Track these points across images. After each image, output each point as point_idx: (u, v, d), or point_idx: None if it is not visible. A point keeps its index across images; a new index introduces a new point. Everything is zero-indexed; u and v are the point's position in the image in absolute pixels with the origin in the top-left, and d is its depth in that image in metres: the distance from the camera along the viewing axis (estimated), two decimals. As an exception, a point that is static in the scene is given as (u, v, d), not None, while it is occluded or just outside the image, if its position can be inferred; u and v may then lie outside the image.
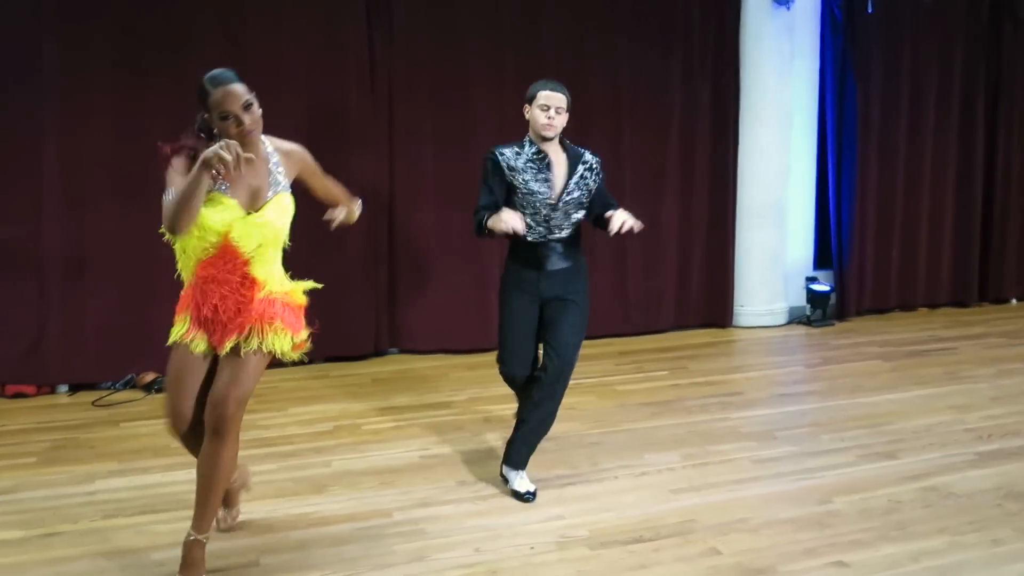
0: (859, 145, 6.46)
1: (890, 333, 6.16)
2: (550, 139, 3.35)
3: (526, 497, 3.34)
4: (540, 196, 3.33)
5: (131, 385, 4.84)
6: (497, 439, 4.00)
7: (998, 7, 6.81)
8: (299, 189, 2.87)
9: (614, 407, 4.49)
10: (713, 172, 6.18)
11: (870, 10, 6.29)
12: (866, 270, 6.66)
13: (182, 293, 2.78)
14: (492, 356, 5.40)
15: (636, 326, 6.06)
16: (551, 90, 3.34)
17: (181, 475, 3.58)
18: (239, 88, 2.54)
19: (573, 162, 3.41)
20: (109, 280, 4.84)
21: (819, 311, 6.43)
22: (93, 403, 4.60)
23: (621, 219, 3.29)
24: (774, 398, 4.71)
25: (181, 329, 2.72)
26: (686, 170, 6.10)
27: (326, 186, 2.98)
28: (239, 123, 2.52)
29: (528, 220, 3.30)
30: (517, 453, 3.42)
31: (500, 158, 3.34)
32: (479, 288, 5.61)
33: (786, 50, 6.16)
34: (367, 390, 4.83)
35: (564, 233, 3.41)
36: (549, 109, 3.31)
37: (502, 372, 3.53)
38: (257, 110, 2.59)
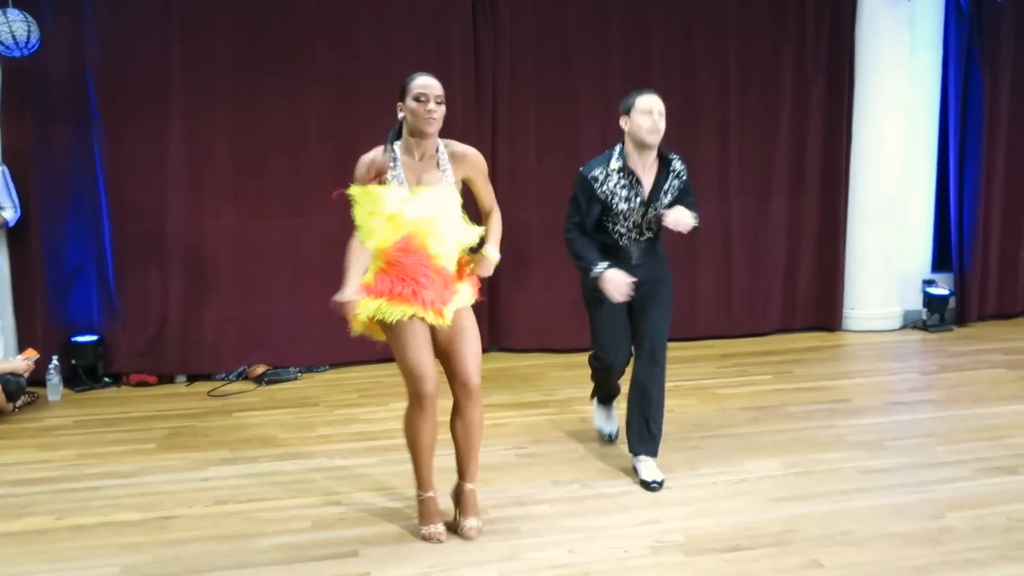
0: (984, 140, 6.11)
1: (1016, 340, 5.80)
2: (653, 145, 3.38)
3: (652, 486, 3.42)
4: (631, 210, 3.44)
5: (243, 377, 5.07)
6: (593, 439, 3.99)
7: None
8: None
9: (714, 411, 4.40)
10: (824, 169, 5.97)
11: (1000, -1, 5.94)
12: (990, 272, 6.29)
13: (369, 279, 2.99)
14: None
15: (740, 328, 5.92)
16: (650, 93, 3.37)
17: (288, 465, 3.73)
18: (437, 83, 2.95)
19: (665, 169, 3.47)
20: (225, 277, 5.09)
21: (937, 316, 6.12)
22: (208, 393, 4.84)
23: (673, 217, 3.39)
24: (885, 406, 4.51)
25: (396, 309, 2.92)
26: (796, 167, 5.92)
27: (485, 196, 3.19)
28: (428, 108, 2.88)
29: (620, 227, 3.47)
30: (637, 438, 3.54)
31: (592, 183, 3.43)
32: (578, 287, 5.58)
33: (905, 42, 5.89)
34: (466, 387, 4.88)
35: (651, 233, 3.54)
36: (651, 112, 3.34)
37: (604, 364, 3.64)
38: (443, 109, 2.94)
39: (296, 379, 5.10)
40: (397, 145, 2.99)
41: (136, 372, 5.02)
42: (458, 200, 3.01)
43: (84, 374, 4.96)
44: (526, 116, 5.44)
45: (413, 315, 2.92)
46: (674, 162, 3.50)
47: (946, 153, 6.25)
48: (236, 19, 4.95)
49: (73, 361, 4.94)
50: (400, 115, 2.97)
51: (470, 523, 3.06)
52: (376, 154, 2.97)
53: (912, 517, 3.15)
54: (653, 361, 3.50)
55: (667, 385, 4.13)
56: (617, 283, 3.35)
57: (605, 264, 3.40)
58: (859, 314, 6.08)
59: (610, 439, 3.96)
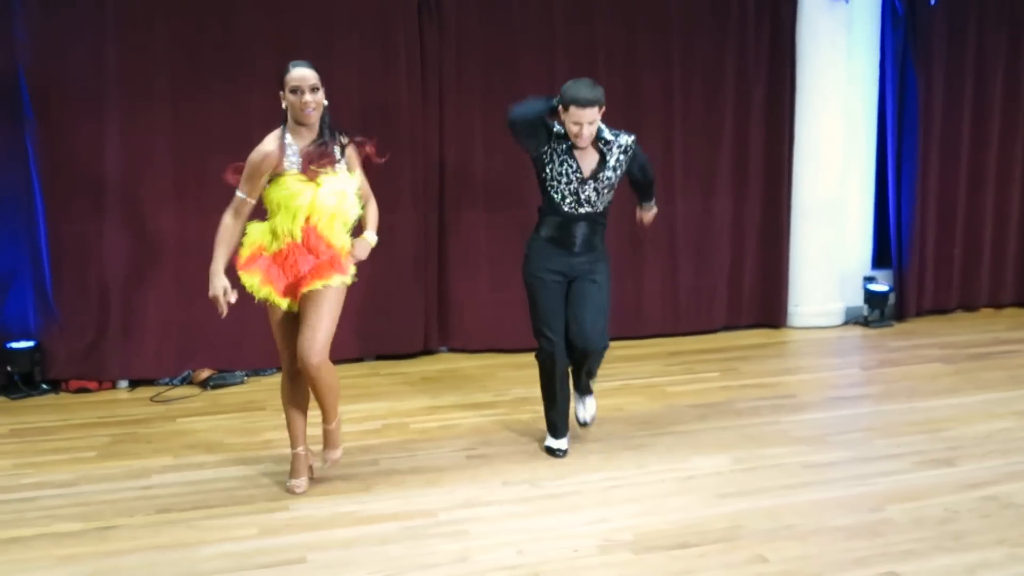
0: (920, 141, 6.27)
1: (951, 335, 5.98)
2: (583, 149, 3.61)
3: (557, 453, 3.77)
4: (568, 174, 3.61)
5: (187, 381, 4.97)
6: (542, 440, 3.99)
7: (1068, -3, 6.54)
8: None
9: (662, 409, 4.44)
10: (767, 169, 6.07)
11: (933, 2, 6.10)
12: (927, 269, 6.47)
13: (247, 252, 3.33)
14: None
15: (686, 326, 5.98)
16: (581, 106, 3.45)
17: (233, 471, 3.67)
18: (311, 72, 3.21)
19: (605, 152, 3.65)
20: (167, 280, 4.97)
21: (877, 311, 6.27)
22: (151, 399, 4.73)
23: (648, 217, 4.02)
24: (828, 401, 4.61)
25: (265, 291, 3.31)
26: (739, 167, 6.01)
27: (364, 185, 3.48)
28: (304, 100, 3.14)
29: (562, 190, 3.63)
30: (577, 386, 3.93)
31: (552, 128, 3.63)
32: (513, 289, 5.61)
33: (843, 44, 6.02)
34: (416, 389, 4.87)
35: (592, 210, 3.67)
36: (581, 125, 3.49)
37: (549, 346, 3.70)
38: (320, 95, 3.20)
39: (242, 383, 5.01)
40: (288, 134, 3.24)
41: (75, 378, 4.89)
42: (355, 185, 3.32)
43: (21, 381, 4.80)
44: (472, 117, 5.42)
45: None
46: (619, 137, 3.68)
47: (884, 153, 6.40)
48: (174, 19, 4.83)
49: (9, 368, 4.78)
50: (283, 104, 3.24)
51: (331, 454, 3.50)
52: (271, 145, 3.21)
53: (853, 510, 3.23)
54: (586, 358, 3.74)
55: (615, 384, 4.21)
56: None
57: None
58: (803, 311, 6.20)
59: (557, 455, 3.81)
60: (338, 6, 5.11)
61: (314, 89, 3.16)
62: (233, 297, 3.25)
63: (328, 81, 5.03)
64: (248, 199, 3.25)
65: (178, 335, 5.01)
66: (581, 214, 3.65)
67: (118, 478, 3.62)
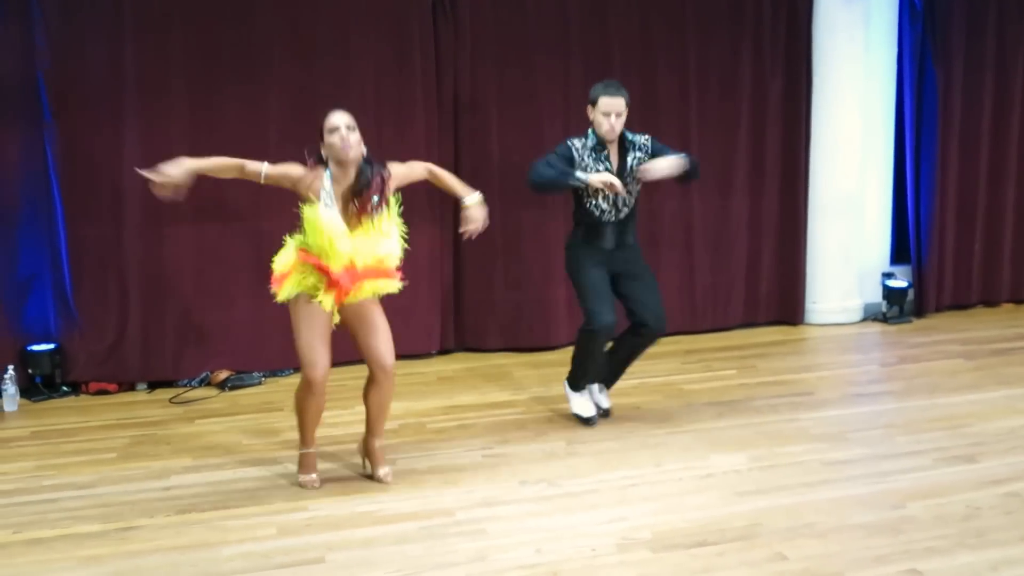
0: (939, 136, 6.22)
1: (972, 330, 5.92)
2: (612, 142, 3.82)
3: (590, 421, 4.05)
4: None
5: (206, 383, 5.00)
6: (560, 438, 3.99)
7: (1090, -12, 6.46)
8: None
9: (680, 407, 4.43)
10: (784, 165, 6.04)
11: (951, -5, 6.05)
12: (946, 265, 6.41)
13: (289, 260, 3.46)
14: (556, 355, 5.45)
15: (703, 323, 5.96)
16: (611, 96, 3.70)
17: (252, 471, 3.69)
18: (343, 113, 3.31)
19: (623, 149, 3.86)
20: (185, 282, 5.01)
21: (896, 308, 6.22)
22: (170, 400, 4.76)
23: (648, 167, 3.77)
24: (847, 398, 4.58)
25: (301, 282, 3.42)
26: (756, 164, 5.98)
27: (417, 176, 3.60)
28: (342, 136, 3.24)
29: (600, 202, 3.82)
30: (613, 376, 4.21)
31: (571, 147, 3.85)
32: (544, 287, 5.61)
33: (860, 39, 5.97)
34: (432, 388, 4.88)
35: (627, 210, 3.91)
36: (610, 115, 3.71)
37: (593, 327, 3.84)
38: (357, 134, 3.30)
39: (260, 384, 5.04)
40: (327, 173, 3.34)
41: (95, 380, 4.92)
42: (396, 229, 3.39)
43: (41, 384, 4.85)
44: (487, 117, 5.42)
45: (316, 298, 3.27)
46: (636, 139, 3.87)
47: (902, 148, 6.35)
48: (191, 21, 4.86)
49: (30, 371, 4.82)
50: (324, 154, 3.34)
51: (383, 471, 3.53)
52: (306, 173, 3.35)
53: (874, 507, 3.20)
54: (651, 341, 4.03)
55: (632, 382, 4.18)
56: (605, 176, 3.68)
57: (580, 172, 3.73)
58: (820, 308, 6.16)
59: (589, 423, 4.08)
60: (354, 7, 5.13)
61: (350, 128, 3.26)
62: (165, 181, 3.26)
63: (343, 82, 5.13)
64: (263, 174, 3.32)
65: (196, 337, 5.04)
66: (619, 219, 3.90)
67: (138, 479, 3.65)
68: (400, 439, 4.04)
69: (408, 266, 5.15)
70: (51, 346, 4.85)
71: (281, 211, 5.06)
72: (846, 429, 4.03)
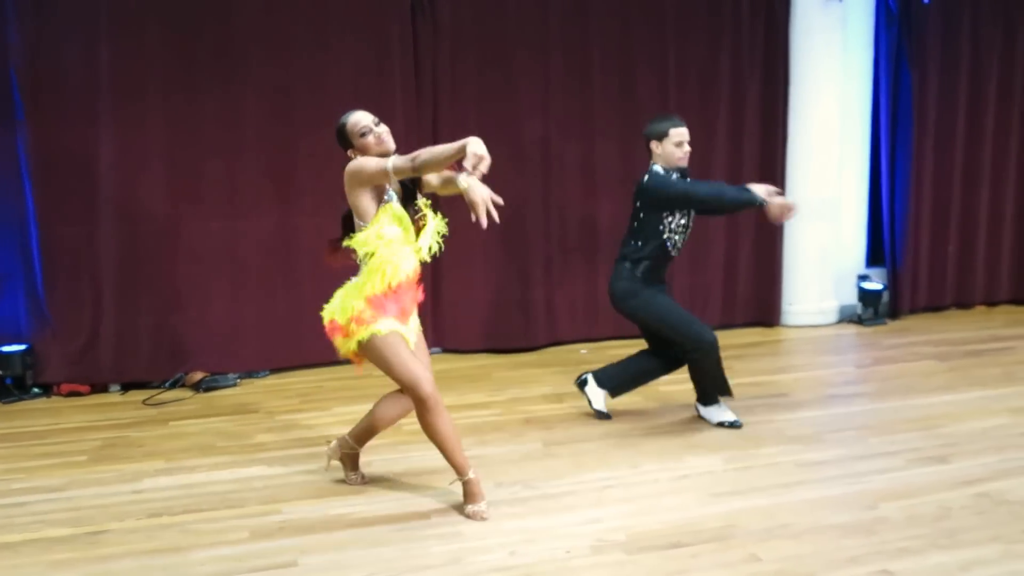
0: (914, 139, 6.28)
1: (946, 332, 5.97)
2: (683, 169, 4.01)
3: (736, 424, 4.10)
4: (684, 219, 4.03)
5: (180, 384, 4.95)
6: (536, 440, 3.98)
7: (1062, -7, 6.55)
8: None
9: (657, 407, 4.43)
10: (761, 167, 6.07)
11: (927, 0, 6.10)
12: (921, 267, 6.47)
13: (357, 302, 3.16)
14: (534, 356, 5.44)
15: (682, 325, 5.98)
16: (679, 125, 3.96)
17: (225, 474, 3.65)
18: (365, 113, 3.15)
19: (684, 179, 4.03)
20: (160, 282, 4.96)
21: (871, 310, 6.27)
22: (144, 402, 4.71)
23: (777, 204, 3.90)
24: (822, 399, 4.61)
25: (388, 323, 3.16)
26: (734, 165, 6.01)
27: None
28: (377, 134, 3.10)
29: (675, 235, 4.01)
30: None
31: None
32: (523, 288, 5.60)
33: (837, 42, 6.02)
34: (410, 390, 4.85)
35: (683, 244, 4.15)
36: (683, 144, 3.95)
37: (707, 343, 3.96)
38: (384, 125, 3.16)
39: (235, 385, 5.00)
40: None
41: (67, 382, 4.87)
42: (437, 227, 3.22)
43: (12, 385, 4.79)
44: (467, 115, 5.42)
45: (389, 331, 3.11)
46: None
47: (878, 152, 6.41)
48: (167, 20, 4.82)
49: (0, 372, 4.76)
50: (354, 156, 3.12)
51: (472, 508, 3.22)
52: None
53: (848, 508, 3.22)
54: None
55: (610, 384, 4.08)
56: (786, 201, 3.80)
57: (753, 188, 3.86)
58: (797, 309, 6.20)
59: (736, 425, 4.12)
60: (332, 6, 5.10)
61: (376, 122, 3.13)
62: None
63: (323, 81, 5.09)
64: (391, 175, 2.99)
65: (171, 338, 4.99)
66: (678, 252, 4.09)
67: (110, 482, 3.60)
68: (376, 440, 4.00)
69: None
70: (23, 347, 4.79)
71: (256, 211, 5.08)
72: (821, 430, 4.06)
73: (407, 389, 3.15)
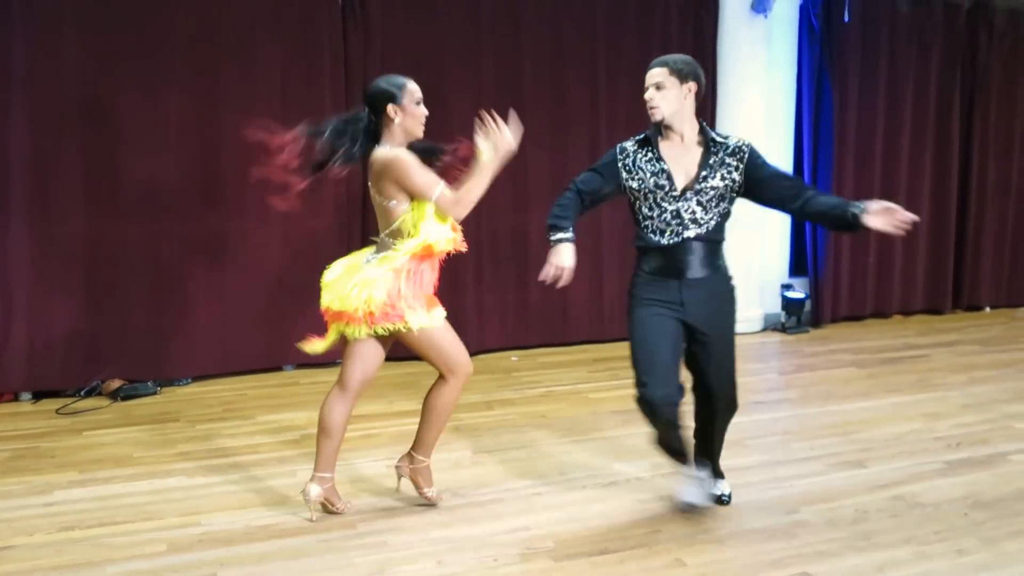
0: (835, 153, 6.48)
1: (864, 340, 6.17)
2: (659, 122, 3.01)
3: (723, 500, 3.34)
4: (660, 192, 3.00)
5: (96, 392, 4.77)
6: (465, 448, 3.96)
7: (974, 17, 6.86)
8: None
9: (586, 415, 4.46)
10: (689, 179, 6.17)
11: (847, 19, 6.32)
12: (841, 277, 6.68)
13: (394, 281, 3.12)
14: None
15: (612, 332, 6.03)
16: (649, 68, 3.01)
17: (142, 485, 3.53)
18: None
19: (709, 149, 3.03)
20: (76, 286, 4.78)
21: (794, 318, 6.44)
22: (57, 411, 4.52)
23: (880, 220, 3.06)
24: (747, 406, 4.64)
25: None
26: (662, 176, 6.09)
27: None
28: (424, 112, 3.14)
29: (653, 220, 3.00)
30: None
31: (619, 152, 3.11)
32: (455, 294, 5.56)
33: (763, 58, 6.18)
34: (337, 398, 4.77)
35: (703, 229, 3.00)
36: (648, 89, 2.98)
37: (643, 397, 3.01)
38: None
39: (155, 394, 4.84)
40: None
41: (-26, 390, 4.65)
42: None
43: (-87, 394, 4.55)
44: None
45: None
46: (728, 140, 3.05)
47: (802, 165, 6.59)
48: (85, 22, 4.65)
49: (-100, 380, 4.53)
50: (395, 117, 3.10)
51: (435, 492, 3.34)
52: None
53: (769, 513, 3.28)
54: (729, 412, 3.25)
55: (539, 391, 4.13)
56: (557, 263, 2.98)
57: (567, 235, 3.02)
58: (723, 318, 6.31)
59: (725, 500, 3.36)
60: (259, 10, 5.01)
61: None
62: None
63: (251, 88, 4.99)
64: (432, 202, 3.10)
65: (87, 344, 4.81)
66: (689, 238, 3.00)
67: (18, 495, 3.44)
68: (301, 450, 3.94)
69: (309, 271, 5.09)
70: (-75, 354, 4.55)
71: (178, 214, 4.94)
72: (744, 436, 4.13)
73: (455, 369, 3.15)
